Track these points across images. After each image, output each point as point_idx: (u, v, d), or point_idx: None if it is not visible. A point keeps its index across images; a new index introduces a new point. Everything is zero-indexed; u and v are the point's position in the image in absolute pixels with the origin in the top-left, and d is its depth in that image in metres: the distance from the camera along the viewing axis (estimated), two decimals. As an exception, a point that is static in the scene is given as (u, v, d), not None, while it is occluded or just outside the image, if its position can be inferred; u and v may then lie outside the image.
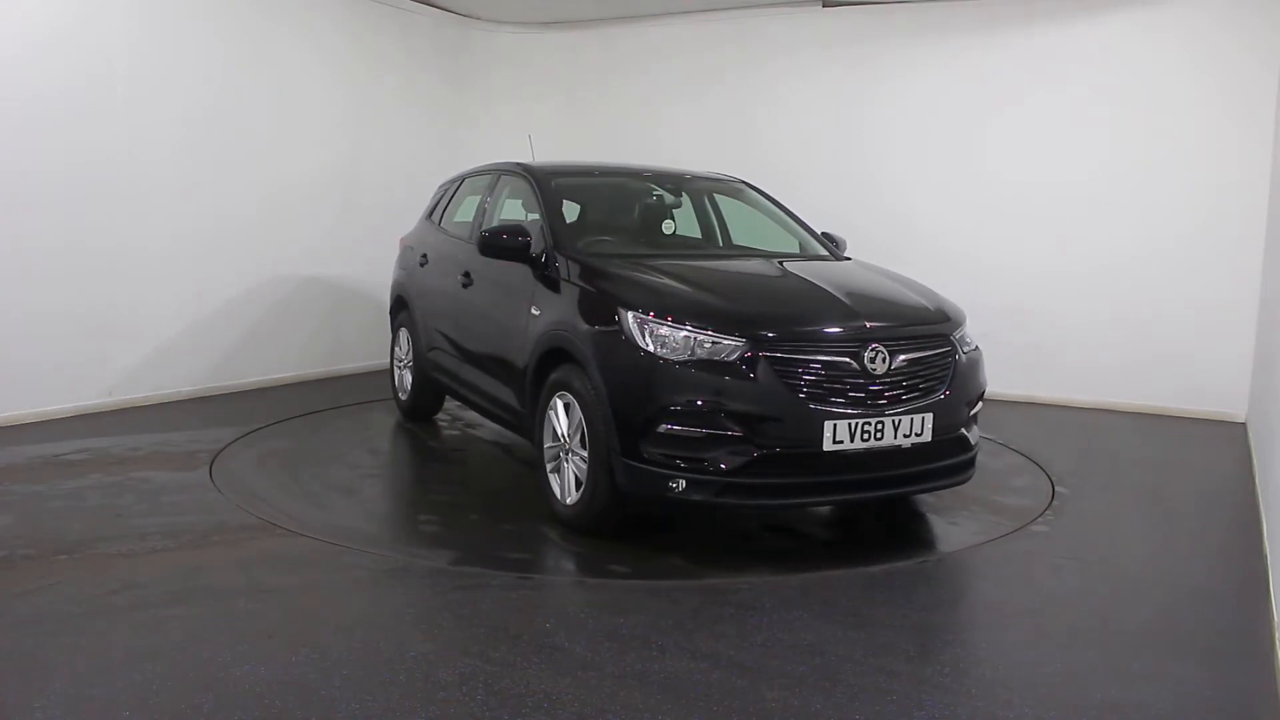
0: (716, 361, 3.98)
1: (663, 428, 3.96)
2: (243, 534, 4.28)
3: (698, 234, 5.80)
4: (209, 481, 5.01)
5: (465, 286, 5.61)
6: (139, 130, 6.48)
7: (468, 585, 3.81)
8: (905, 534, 4.60)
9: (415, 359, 6.38)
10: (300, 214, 7.70)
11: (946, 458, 4.33)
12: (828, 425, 3.93)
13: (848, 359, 4.04)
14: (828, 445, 3.94)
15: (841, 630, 3.40)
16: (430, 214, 6.68)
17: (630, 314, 4.15)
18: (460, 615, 3.47)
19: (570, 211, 5.42)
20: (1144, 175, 7.25)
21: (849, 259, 5.45)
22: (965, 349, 4.49)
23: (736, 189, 5.92)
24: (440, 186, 6.81)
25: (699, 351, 4.00)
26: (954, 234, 7.86)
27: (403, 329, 6.61)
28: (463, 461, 5.85)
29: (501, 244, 4.91)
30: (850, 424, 3.96)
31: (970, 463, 4.49)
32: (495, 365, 5.19)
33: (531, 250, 4.88)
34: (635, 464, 4.02)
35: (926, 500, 4.95)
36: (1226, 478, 5.83)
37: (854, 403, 4.01)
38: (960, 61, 7.80)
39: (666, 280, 4.43)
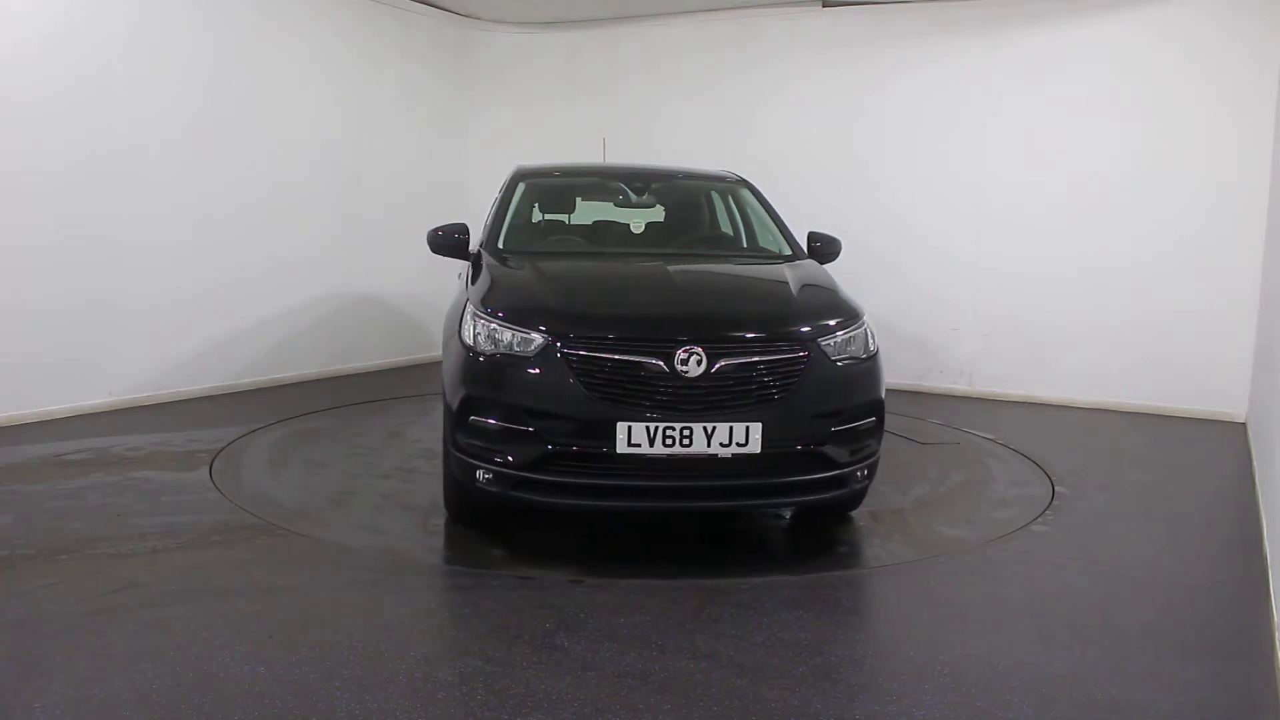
0: (519, 356, 3.99)
1: (472, 419, 4.04)
2: (243, 534, 4.28)
3: (729, 232, 5.73)
4: (209, 481, 5.01)
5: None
6: (138, 129, 6.48)
7: (467, 585, 3.82)
8: (904, 534, 4.59)
9: None
10: (300, 213, 7.70)
11: (791, 473, 4.04)
12: (621, 426, 3.81)
13: (657, 360, 3.87)
14: (621, 447, 3.82)
15: (841, 630, 3.40)
16: None
17: (469, 308, 4.25)
18: (460, 615, 3.48)
19: (540, 210, 5.62)
20: (1144, 176, 7.26)
21: (800, 260, 5.06)
22: (841, 356, 4.13)
23: (733, 187, 5.91)
24: None
25: (515, 347, 4.01)
26: (953, 234, 7.86)
27: None
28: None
29: (439, 240, 5.05)
30: (649, 427, 3.81)
31: (834, 482, 4.12)
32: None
33: (470, 248, 5.03)
34: (457, 454, 4.13)
35: (925, 501, 4.94)
36: (1226, 478, 5.83)
37: (660, 405, 3.85)
38: (959, 62, 7.80)
39: (530, 278, 4.44)
